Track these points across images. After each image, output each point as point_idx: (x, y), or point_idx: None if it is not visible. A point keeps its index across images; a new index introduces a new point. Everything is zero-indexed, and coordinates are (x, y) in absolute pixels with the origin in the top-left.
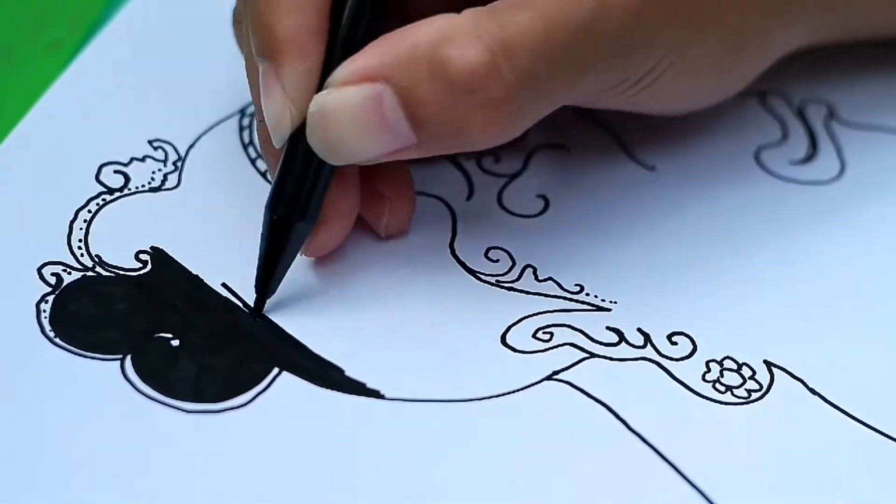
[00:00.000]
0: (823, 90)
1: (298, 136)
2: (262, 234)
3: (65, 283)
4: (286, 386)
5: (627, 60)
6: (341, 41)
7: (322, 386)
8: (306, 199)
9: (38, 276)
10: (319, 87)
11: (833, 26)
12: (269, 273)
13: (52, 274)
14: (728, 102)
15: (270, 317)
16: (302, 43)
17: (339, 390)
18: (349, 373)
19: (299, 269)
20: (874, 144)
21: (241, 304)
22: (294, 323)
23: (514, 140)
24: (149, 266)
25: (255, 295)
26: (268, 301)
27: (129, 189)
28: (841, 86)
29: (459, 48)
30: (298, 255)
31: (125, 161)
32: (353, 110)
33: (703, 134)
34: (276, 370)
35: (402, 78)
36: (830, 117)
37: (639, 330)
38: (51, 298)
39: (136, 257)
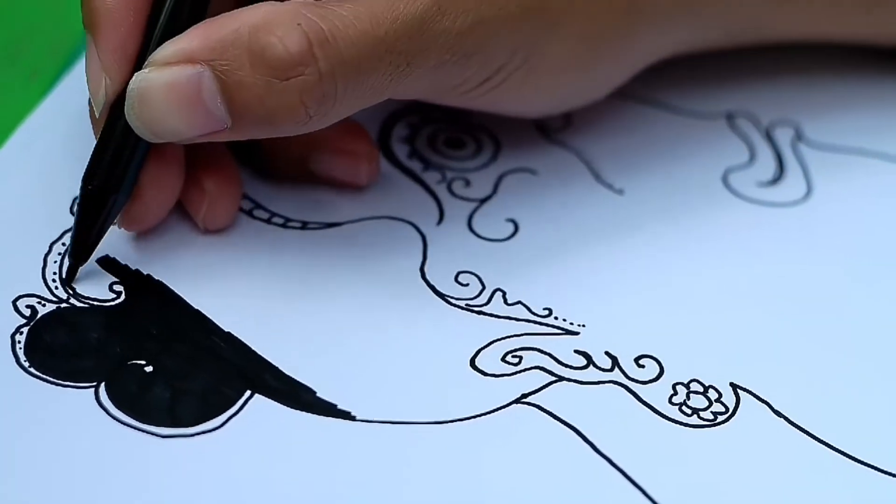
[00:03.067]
0: (791, 112)
1: (116, 109)
2: (77, 203)
3: (39, 315)
4: (258, 408)
5: (465, 61)
6: (164, 21)
7: (294, 407)
8: (121, 172)
9: (12, 308)
10: (138, 61)
11: (709, 35)
12: (83, 243)
13: (27, 306)
14: (696, 125)
15: (242, 338)
16: (118, 16)
17: (310, 411)
18: (321, 394)
19: (270, 291)
20: (841, 166)
21: (216, 328)
22: (266, 345)
23: (485, 164)
24: (122, 296)
25: (68, 263)
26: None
27: None
28: (809, 107)
29: (279, 35)
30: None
31: None
32: (171, 91)
33: (671, 156)
34: (248, 392)
35: (222, 61)
36: (798, 139)
37: (606, 353)
38: (25, 330)
39: (111, 288)
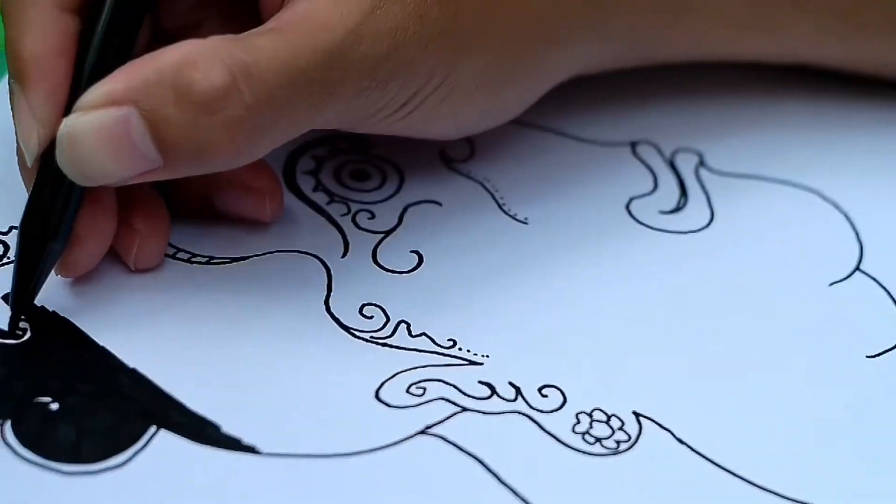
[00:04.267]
0: (694, 139)
1: (48, 156)
2: (15, 253)
3: None
4: (163, 443)
5: (384, 87)
6: (90, 65)
7: (199, 442)
8: (58, 219)
9: None
10: (68, 108)
11: (615, 53)
12: (23, 292)
13: None
14: (600, 153)
15: (147, 375)
16: (46, 65)
17: (215, 446)
18: (226, 429)
19: (175, 326)
20: (743, 192)
21: (121, 365)
22: (170, 380)
23: (390, 196)
24: (27, 333)
25: (10, 314)
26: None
27: (9, 258)
28: (711, 134)
29: (202, 71)
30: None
31: (4, 230)
32: (100, 134)
33: (575, 185)
34: (153, 428)
35: (148, 101)
36: (701, 165)
37: (510, 383)
38: None
39: None
